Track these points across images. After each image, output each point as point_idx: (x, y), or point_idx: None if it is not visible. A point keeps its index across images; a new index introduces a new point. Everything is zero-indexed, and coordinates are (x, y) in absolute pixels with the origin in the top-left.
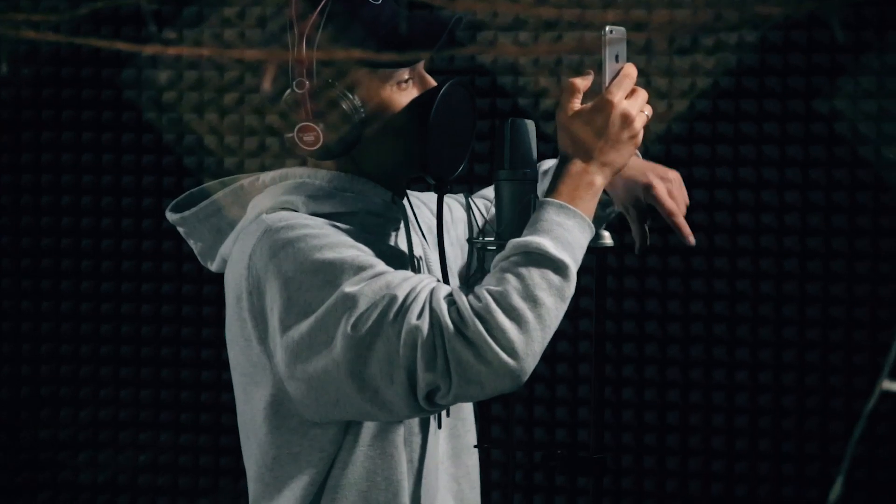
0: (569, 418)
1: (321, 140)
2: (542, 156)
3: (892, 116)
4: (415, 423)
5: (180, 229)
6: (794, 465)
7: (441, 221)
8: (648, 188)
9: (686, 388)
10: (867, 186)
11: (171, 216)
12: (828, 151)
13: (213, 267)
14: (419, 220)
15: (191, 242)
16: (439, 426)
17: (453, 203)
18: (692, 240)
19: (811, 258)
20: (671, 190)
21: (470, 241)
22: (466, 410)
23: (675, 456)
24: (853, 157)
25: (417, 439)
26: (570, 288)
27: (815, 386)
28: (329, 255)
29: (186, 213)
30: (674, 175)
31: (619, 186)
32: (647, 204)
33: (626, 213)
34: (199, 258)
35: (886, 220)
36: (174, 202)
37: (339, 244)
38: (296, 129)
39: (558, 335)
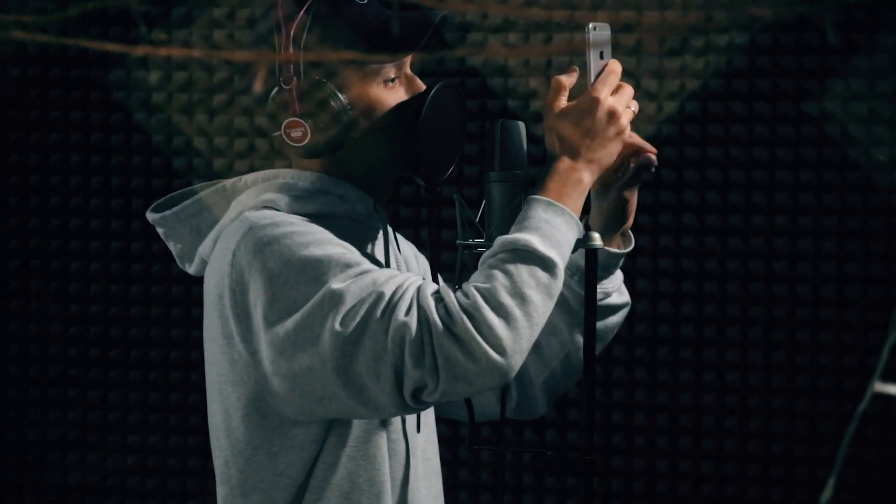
0: (559, 419)
1: (308, 135)
2: (533, 157)
3: (882, 118)
4: (397, 425)
5: (160, 230)
6: (785, 467)
7: (432, 223)
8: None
9: (676, 389)
10: (857, 188)
11: (151, 216)
12: (818, 153)
13: (192, 269)
14: (396, 236)
15: (170, 244)
16: (418, 429)
17: (422, 260)
18: (654, 153)
19: (801, 260)
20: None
21: (459, 242)
22: (433, 433)
23: (665, 457)
24: (843, 159)
25: (400, 442)
26: (558, 285)
27: (805, 387)
28: (315, 251)
29: (167, 212)
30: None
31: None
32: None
33: (606, 193)
34: (177, 260)
35: (877, 222)
36: (155, 203)
37: (325, 241)
38: (283, 125)
39: None
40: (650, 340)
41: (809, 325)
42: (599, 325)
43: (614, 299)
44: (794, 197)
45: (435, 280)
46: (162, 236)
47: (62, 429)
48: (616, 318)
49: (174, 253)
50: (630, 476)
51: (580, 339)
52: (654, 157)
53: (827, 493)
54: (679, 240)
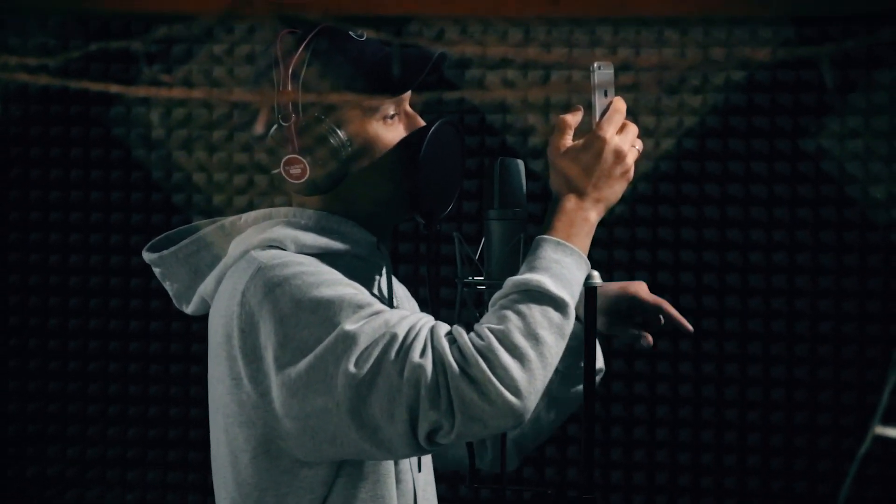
0: (558, 456)
1: (308, 173)
2: (532, 194)
3: (878, 156)
4: (404, 465)
5: (156, 270)
6: None
7: (432, 260)
8: (627, 290)
9: (675, 426)
10: (854, 225)
11: (147, 256)
12: (815, 190)
13: (189, 309)
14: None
15: (166, 284)
16: (420, 469)
17: (413, 301)
18: (690, 328)
19: (799, 297)
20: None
21: (458, 280)
22: (431, 473)
23: (664, 493)
24: (840, 196)
25: (408, 483)
26: (570, 325)
27: (803, 423)
28: (327, 292)
29: (165, 252)
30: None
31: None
32: (627, 308)
33: (611, 327)
34: (174, 300)
35: (874, 259)
36: (151, 243)
37: (335, 282)
38: (282, 162)
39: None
40: (648, 377)
41: (808, 361)
42: (573, 391)
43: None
44: (792, 233)
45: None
46: (158, 276)
47: (61, 465)
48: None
49: (171, 293)
50: None
51: (541, 413)
52: (689, 328)
53: None
54: (677, 276)
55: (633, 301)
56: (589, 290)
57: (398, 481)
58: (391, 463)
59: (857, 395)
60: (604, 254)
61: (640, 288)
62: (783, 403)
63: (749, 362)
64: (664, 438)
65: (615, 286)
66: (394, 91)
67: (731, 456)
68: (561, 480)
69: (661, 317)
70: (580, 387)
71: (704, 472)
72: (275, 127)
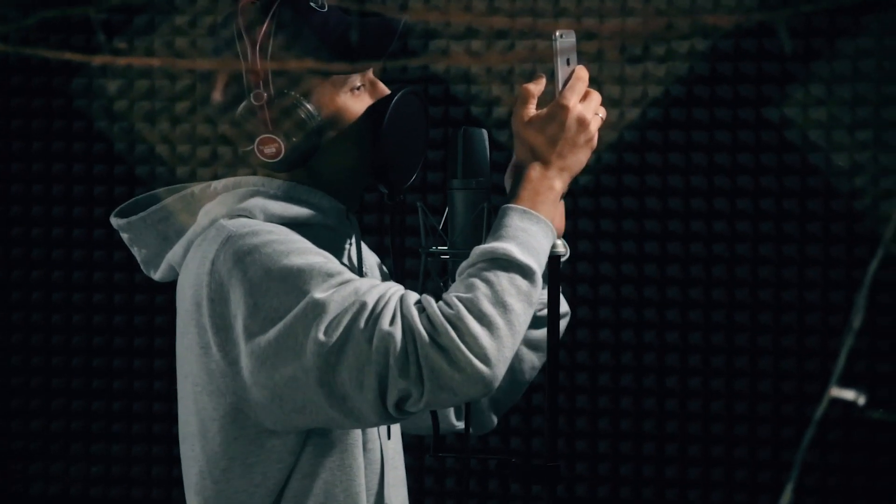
0: (523, 426)
1: (283, 152)
2: (496, 164)
3: (841, 124)
4: (372, 434)
5: (124, 235)
6: (747, 471)
7: (396, 231)
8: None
9: (639, 395)
10: (817, 193)
11: (115, 221)
12: (778, 159)
13: (157, 275)
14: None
15: (134, 250)
16: (389, 436)
17: (383, 268)
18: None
19: (763, 265)
20: None
21: (422, 250)
22: (399, 442)
23: (628, 463)
24: (804, 164)
25: (375, 452)
26: (537, 293)
27: (766, 392)
28: (296, 261)
29: (133, 217)
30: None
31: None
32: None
33: None
34: (141, 266)
35: (836, 227)
36: (119, 208)
37: (305, 251)
38: (256, 142)
39: None
40: (613, 346)
41: (770, 329)
42: (538, 333)
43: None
44: (756, 202)
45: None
46: (126, 241)
47: (24, 440)
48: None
49: (138, 259)
50: (594, 482)
51: (523, 353)
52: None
53: (786, 497)
54: (642, 245)
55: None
56: (553, 259)
57: (366, 450)
58: (359, 432)
59: (820, 362)
60: (569, 223)
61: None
62: (747, 370)
63: (712, 330)
64: (628, 407)
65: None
66: (361, 63)
67: (695, 424)
68: (526, 450)
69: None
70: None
71: (668, 440)
72: (244, 104)
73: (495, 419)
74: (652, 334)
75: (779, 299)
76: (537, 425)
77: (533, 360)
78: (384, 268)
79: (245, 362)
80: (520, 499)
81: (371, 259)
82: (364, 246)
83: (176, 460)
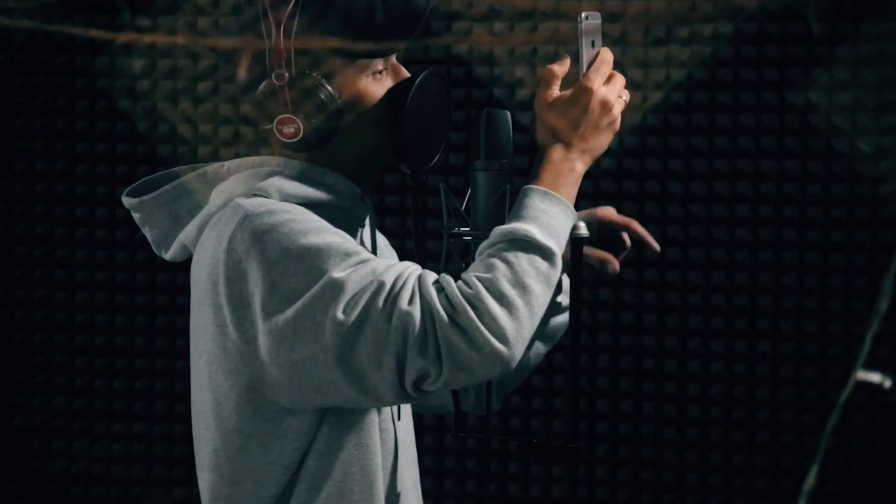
0: (544, 407)
1: (301, 132)
2: (518, 146)
3: (866, 108)
4: (386, 414)
5: (135, 215)
6: (769, 456)
7: (418, 212)
8: (592, 215)
9: (661, 378)
10: (842, 178)
11: (127, 201)
12: (802, 143)
13: (168, 255)
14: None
15: (145, 230)
16: (399, 417)
17: (391, 250)
18: (657, 246)
19: (786, 249)
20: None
21: (444, 231)
22: (410, 423)
23: (649, 446)
24: (828, 148)
25: (390, 431)
26: (557, 274)
27: (789, 377)
28: (314, 240)
29: (145, 197)
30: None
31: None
32: (595, 232)
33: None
34: (152, 246)
35: (861, 212)
36: (130, 188)
37: (323, 230)
38: (275, 122)
39: None
40: (635, 329)
41: (794, 314)
42: (552, 323)
43: (562, 299)
44: (779, 187)
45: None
46: (137, 221)
47: (47, 417)
48: (563, 318)
49: (149, 238)
50: (615, 464)
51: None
52: (657, 247)
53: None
54: (664, 230)
55: (601, 224)
56: (575, 242)
57: (381, 430)
58: (374, 411)
59: (843, 346)
60: (591, 206)
61: (608, 211)
62: (770, 355)
63: (735, 314)
64: (649, 390)
65: (583, 213)
66: (387, 50)
67: (716, 408)
68: (547, 431)
69: (628, 236)
70: (557, 318)
71: (690, 423)
72: (265, 83)
73: (499, 401)
74: (674, 318)
75: (802, 284)
76: (558, 407)
77: (539, 347)
78: (393, 252)
79: (262, 341)
80: (541, 480)
81: (382, 242)
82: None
83: None
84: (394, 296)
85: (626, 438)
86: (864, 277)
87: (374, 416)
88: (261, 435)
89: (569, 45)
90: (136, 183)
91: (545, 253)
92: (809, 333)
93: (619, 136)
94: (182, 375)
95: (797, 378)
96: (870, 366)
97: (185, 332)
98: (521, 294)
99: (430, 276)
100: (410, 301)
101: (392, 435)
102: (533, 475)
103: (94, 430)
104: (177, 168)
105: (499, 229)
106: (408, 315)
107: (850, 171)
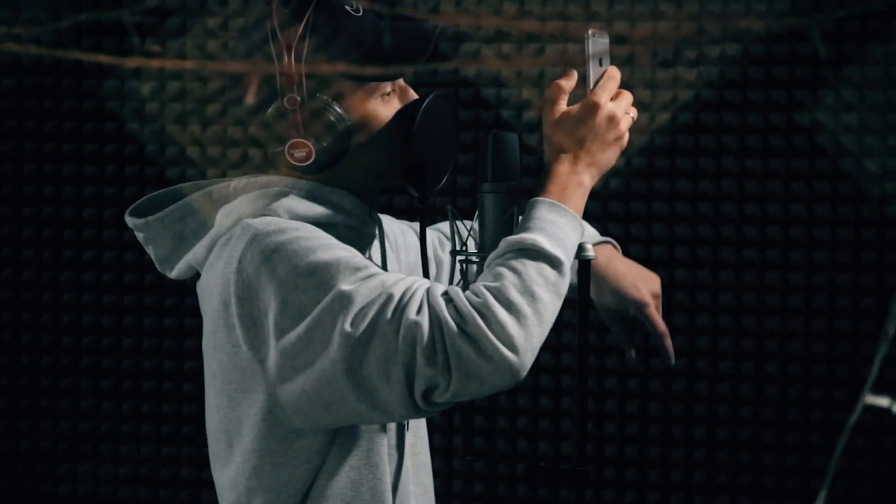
0: (552, 430)
1: (313, 156)
2: (526, 168)
3: (872, 129)
4: (393, 432)
5: (139, 234)
6: (776, 478)
7: (424, 233)
8: (642, 307)
9: (668, 399)
10: (848, 199)
11: (132, 221)
12: (810, 164)
13: (173, 274)
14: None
15: (149, 249)
16: (407, 428)
17: (406, 229)
18: (672, 361)
19: (793, 270)
20: (659, 307)
21: (453, 253)
22: (423, 429)
23: (656, 468)
24: (835, 169)
25: (395, 450)
26: (565, 284)
27: (796, 398)
28: (323, 255)
29: (151, 218)
30: (658, 284)
31: (608, 296)
32: (634, 318)
33: (609, 322)
34: (156, 264)
35: (868, 233)
36: (133, 206)
37: (331, 245)
38: (287, 146)
39: (541, 346)
40: (642, 351)
41: (801, 335)
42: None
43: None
44: (786, 207)
45: (427, 276)
46: (140, 240)
47: (53, 439)
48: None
49: (153, 256)
50: (622, 487)
51: None
52: (672, 360)
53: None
54: (672, 250)
55: (645, 320)
56: (583, 264)
57: (389, 447)
58: (383, 431)
59: (850, 367)
60: (599, 228)
61: (654, 310)
62: (777, 375)
63: (743, 336)
64: (656, 412)
65: (630, 283)
66: (395, 73)
67: (722, 429)
68: (555, 454)
69: (657, 343)
70: None
71: (697, 445)
72: (274, 105)
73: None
74: (681, 339)
75: (809, 305)
76: (566, 429)
77: None
78: (409, 232)
79: (275, 358)
80: (548, 503)
81: (392, 257)
82: (390, 219)
83: (205, 461)
84: (402, 307)
85: (633, 461)
86: (871, 298)
87: (382, 437)
88: (272, 456)
89: (576, 67)
90: (139, 201)
91: (553, 262)
92: (816, 354)
93: (627, 156)
94: (189, 398)
95: (803, 399)
96: (877, 388)
97: (192, 355)
98: (530, 302)
99: (439, 288)
100: (419, 311)
101: (399, 452)
102: (541, 498)
103: (100, 453)
104: (179, 185)
105: (507, 240)
106: (416, 325)
107: (857, 192)
